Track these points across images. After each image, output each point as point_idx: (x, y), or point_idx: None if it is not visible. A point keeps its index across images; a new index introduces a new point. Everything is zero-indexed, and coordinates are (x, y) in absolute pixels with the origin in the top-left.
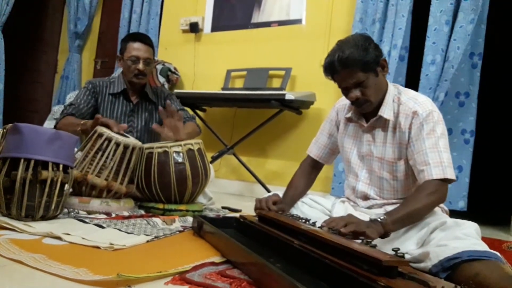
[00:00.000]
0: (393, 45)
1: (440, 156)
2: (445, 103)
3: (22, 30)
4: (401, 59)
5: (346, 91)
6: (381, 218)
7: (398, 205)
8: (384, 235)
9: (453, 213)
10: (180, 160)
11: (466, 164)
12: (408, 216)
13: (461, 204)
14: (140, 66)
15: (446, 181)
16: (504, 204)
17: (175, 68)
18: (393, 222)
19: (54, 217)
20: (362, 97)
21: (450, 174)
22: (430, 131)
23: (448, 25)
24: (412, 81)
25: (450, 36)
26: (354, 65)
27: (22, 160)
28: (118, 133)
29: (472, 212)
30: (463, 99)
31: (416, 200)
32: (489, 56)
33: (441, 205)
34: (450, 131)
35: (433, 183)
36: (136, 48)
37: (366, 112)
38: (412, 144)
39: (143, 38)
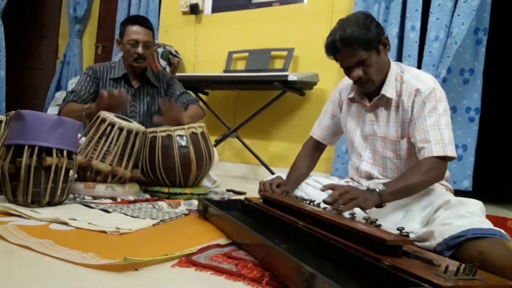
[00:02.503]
0: (411, 27)
1: (441, 134)
2: (449, 81)
3: (21, 15)
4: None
5: (348, 70)
6: (380, 188)
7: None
8: (379, 205)
9: (458, 193)
10: (183, 143)
11: (471, 142)
12: (405, 189)
13: (466, 184)
14: (140, 49)
15: (446, 158)
16: (509, 182)
17: (176, 51)
18: (390, 194)
19: (60, 203)
20: (365, 76)
21: (451, 151)
22: (432, 109)
23: (451, 0)
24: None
25: (453, 12)
26: (356, 44)
27: (26, 147)
28: (120, 117)
29: (477, 190)
30: (467, 76)
31: (415, 175)
32: (494, 32)
33: (446, 183)
34: (454, 109)
35: (432, 160)
36: (135, 32)
37: (368, 91)
38: (414, 122)
39: (142, 21)
